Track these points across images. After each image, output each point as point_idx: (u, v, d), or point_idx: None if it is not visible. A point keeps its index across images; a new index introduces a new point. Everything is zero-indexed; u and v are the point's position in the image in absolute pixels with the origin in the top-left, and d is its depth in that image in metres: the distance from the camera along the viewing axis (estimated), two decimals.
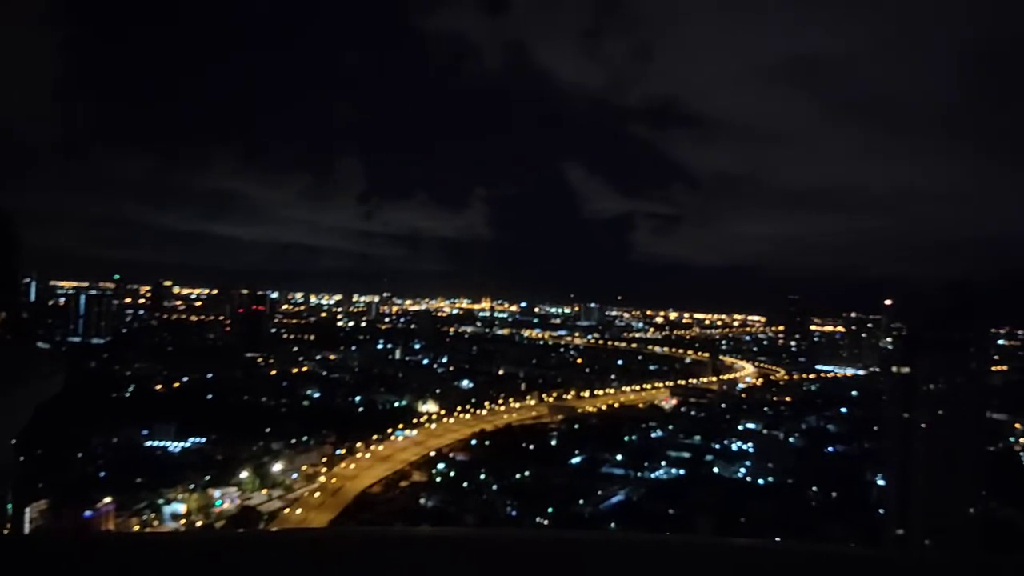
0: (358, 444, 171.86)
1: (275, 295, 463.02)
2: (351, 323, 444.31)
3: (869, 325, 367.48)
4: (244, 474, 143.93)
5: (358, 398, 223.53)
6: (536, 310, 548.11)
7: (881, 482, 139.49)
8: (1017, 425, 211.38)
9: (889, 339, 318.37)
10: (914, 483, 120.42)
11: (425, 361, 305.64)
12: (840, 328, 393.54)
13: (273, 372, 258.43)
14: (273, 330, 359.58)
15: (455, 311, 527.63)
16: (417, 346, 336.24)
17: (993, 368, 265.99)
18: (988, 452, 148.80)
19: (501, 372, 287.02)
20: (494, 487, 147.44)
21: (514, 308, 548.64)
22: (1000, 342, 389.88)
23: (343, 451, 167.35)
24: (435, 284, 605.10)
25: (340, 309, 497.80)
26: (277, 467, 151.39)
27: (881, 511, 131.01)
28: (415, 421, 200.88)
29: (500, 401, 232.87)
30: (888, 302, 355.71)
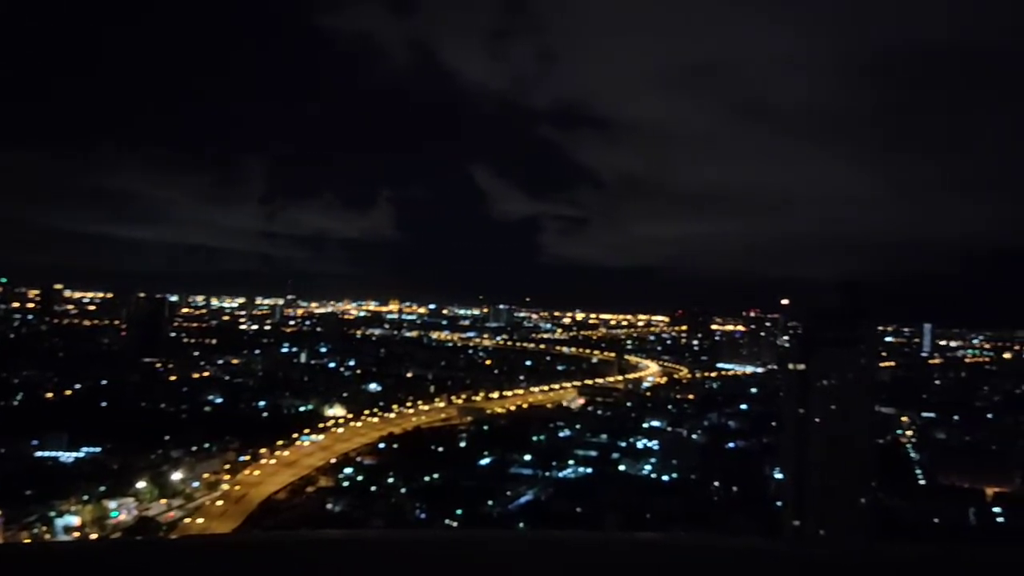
0: (262, 450, 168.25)
1: (175, 298, 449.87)
2: (255, 326, 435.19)
3: (767, 324, 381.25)
4: (142, 484, 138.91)
5: (262, 403, 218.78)
6: (445, 312, 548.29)
7: (779, 475, 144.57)
8: (903, 418, 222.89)
9: (786, 337, 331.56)
10: (809, 476, 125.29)
11: (332, 364, 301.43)
12: (740, 327, 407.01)
13: (173, 378, 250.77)
14: (173, 334, 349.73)
15: (362, 313, 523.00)
16: (323, 349, 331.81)
17: (881, 364, 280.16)
18: (876, 445, 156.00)
19: (409, 374, 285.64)
20: (402, 490, 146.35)
21: (423, 310, 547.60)
22: (887, 339, 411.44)
23: (247, 457, 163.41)
24: (341, 286, 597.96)
25: (243, 312, 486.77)
26: (177, 476, 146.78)
27: (779, 503, 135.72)
28: (321, 425, 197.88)
29: (408, 404, 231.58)
30: (785, 302, 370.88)
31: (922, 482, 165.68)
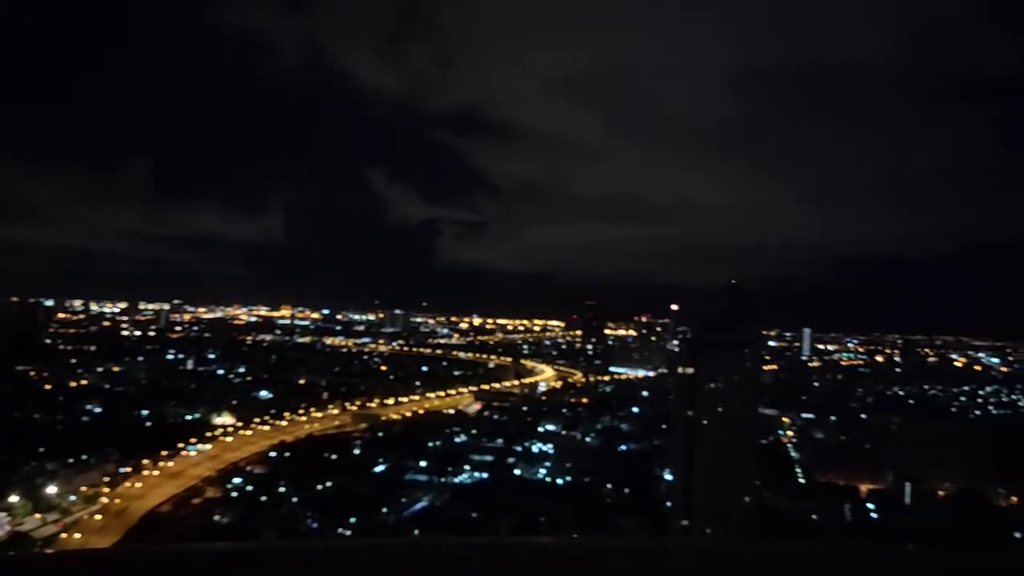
0: (145, 461, 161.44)
1: (50, 303, 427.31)
2: (138, 332, 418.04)
3: (658, 329, 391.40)
4: (14, 498, 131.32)
5: (145, 412, 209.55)
6: (339, 317, 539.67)
7: (669, 477, 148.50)
8: (785, 419, 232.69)
9: (675, 341, 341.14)
10: (697, 476, 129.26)
11: (220, 371, 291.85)
12: (632, 332, 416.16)
13: (48, 386, 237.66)
14: (48, 341, 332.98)
15: (253, 319, 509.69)
16: (212, 356, 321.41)
17: (764, 367, 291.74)
18: (760, 445, 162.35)
19: (302, 381, 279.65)
20: (294, 500, 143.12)
21: (316, 315, 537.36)
22: (770, 343, 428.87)
23: (128, 469, 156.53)
24: (231, 291, 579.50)
25: (125, 318, 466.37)
26: (52, 489, 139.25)
27: (668, 503, 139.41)
28: (209, 434, 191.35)
29: (301, 411, 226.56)
30: (674, 307, 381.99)
31: (802, 480, 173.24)
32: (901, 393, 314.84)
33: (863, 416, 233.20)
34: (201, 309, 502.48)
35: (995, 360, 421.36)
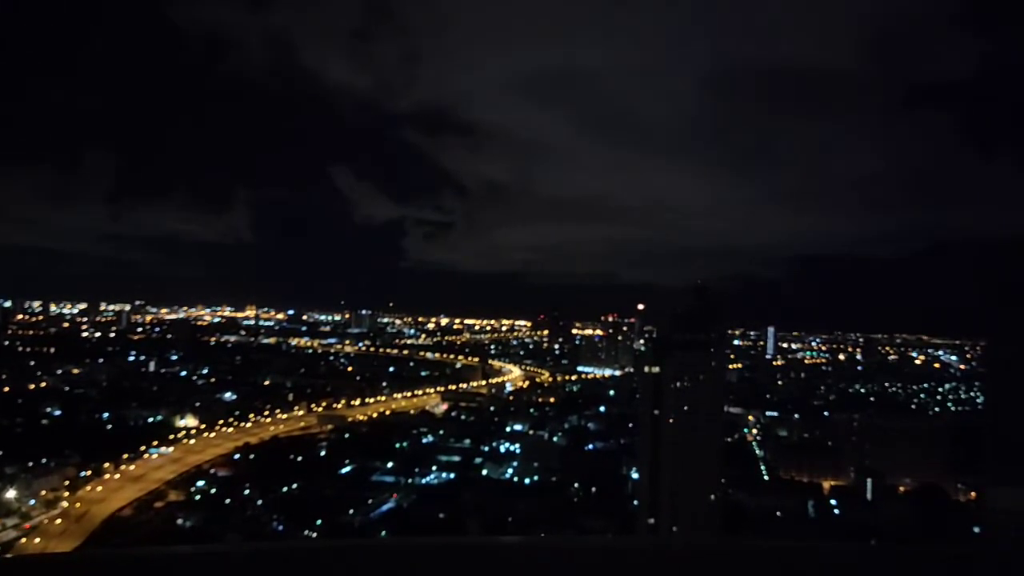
0: (106, 464, 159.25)
1: (8, 304, 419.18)
2: (98, 334, 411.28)
3: (625, 328, 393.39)
4: None
5: (106, 414, 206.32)
6: (305, 318, 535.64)
7: (635, 475, 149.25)
8: (749, 417, 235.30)
9: (642, 341, 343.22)
10: (663, 475, 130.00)
11: (183, 373, 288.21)
12: (599, 331, 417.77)
13: (6, 389, 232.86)
14: (6, 343, 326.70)
15: (217, 319, 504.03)
16: (174, 357, 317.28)
17: (729, 366, 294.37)
18: (725, 443, 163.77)
19: (267, 382, 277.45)
20: (259, 502, 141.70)
21: (281, 316, 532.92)
22: (735, 342, 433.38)
23: (89, 473, 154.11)
24: (194, 291, 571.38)
25: (85, 319, 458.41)
26: (11, 493, 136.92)
27: (635, 502, 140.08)
28: (172, 437, 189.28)
29: (266, 413, 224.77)
30: (641, 306, 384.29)
31: (766, 478, 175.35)
32: (863, 391, 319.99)
33: (826, 414, 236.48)
34: (163, 310, 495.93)
35: (953, 358, 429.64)
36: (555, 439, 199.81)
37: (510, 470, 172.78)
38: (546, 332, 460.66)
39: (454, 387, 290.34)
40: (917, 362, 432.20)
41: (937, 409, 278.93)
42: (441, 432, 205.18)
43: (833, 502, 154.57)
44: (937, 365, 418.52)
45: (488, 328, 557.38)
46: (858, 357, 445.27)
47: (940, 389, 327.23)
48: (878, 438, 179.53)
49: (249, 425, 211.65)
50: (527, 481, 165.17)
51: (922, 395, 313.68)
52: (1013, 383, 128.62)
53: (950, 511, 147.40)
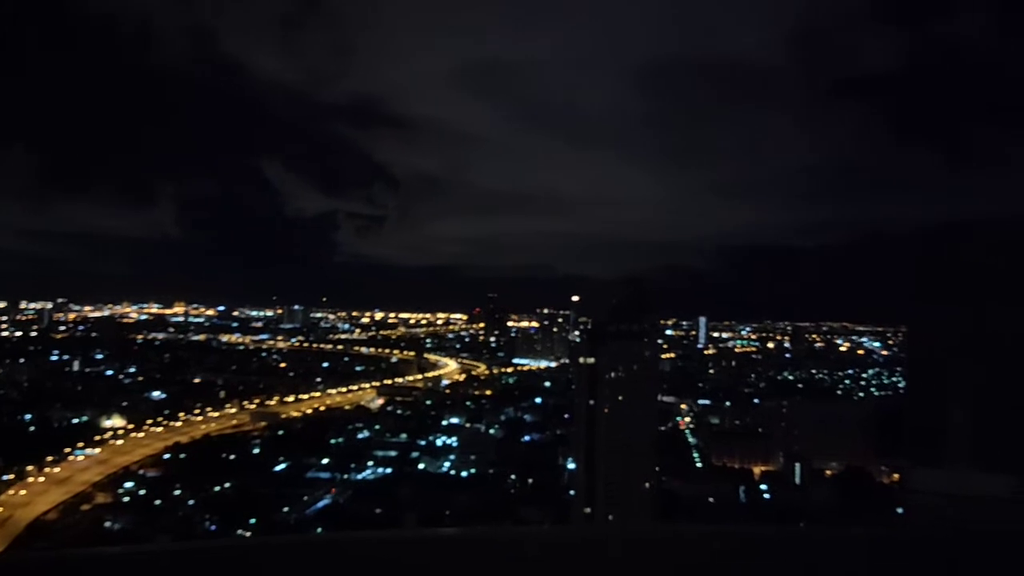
0: (29, 467, 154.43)
1: None
2: (19, 333, 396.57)
3: (560, 320, 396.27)
4: None
5: (28, 416, 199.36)
6: (236, 314, 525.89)
7: (571, 465, 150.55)
8: (682, 406, 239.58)
9: (577, 332, 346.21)
10: (599, 464, 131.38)
11: (109, 372, 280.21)
12: (535, 324, 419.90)
13: None
14: None
15: (144, 317, 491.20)
16: (100, 356, 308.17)
17: (663, 356, 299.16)
18: (659, 432, 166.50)
19: (197, 380, 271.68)
20: (190, 502, 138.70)
21: (211, 312, 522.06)
22: (668, 332, 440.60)
23: (11, 476, 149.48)
24: (120, 288, 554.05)
25: (5, 318, 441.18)
26: None
27: (572, 492, 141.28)
28: (98, 438, 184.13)
29: (197, 411, 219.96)
30: (576, 298, 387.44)
31: (699, 465, 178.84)
32: (791, 378, 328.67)
33: (756, 401, 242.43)
34: (87, 308, 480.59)
35: (876, 344, 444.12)
36: (492, 431, 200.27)
37: (447, 463, 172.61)
38: (482, 325, 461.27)
39: (390, 381, 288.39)
40: (842, 349, 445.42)
41: (861, 394, 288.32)
42: (377, 427, 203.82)
43: (763, 487, 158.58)
44: (861, 352, 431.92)
45: (423, 322, 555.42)
46: (786, 345, 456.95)
47: (864, 375, 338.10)
48: (806, 424, 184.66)
49: (179, 424, 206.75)
50: (464, 474, 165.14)
51: (847, 381, 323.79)
52: (932, 369, 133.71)
53: (874, 493, 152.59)
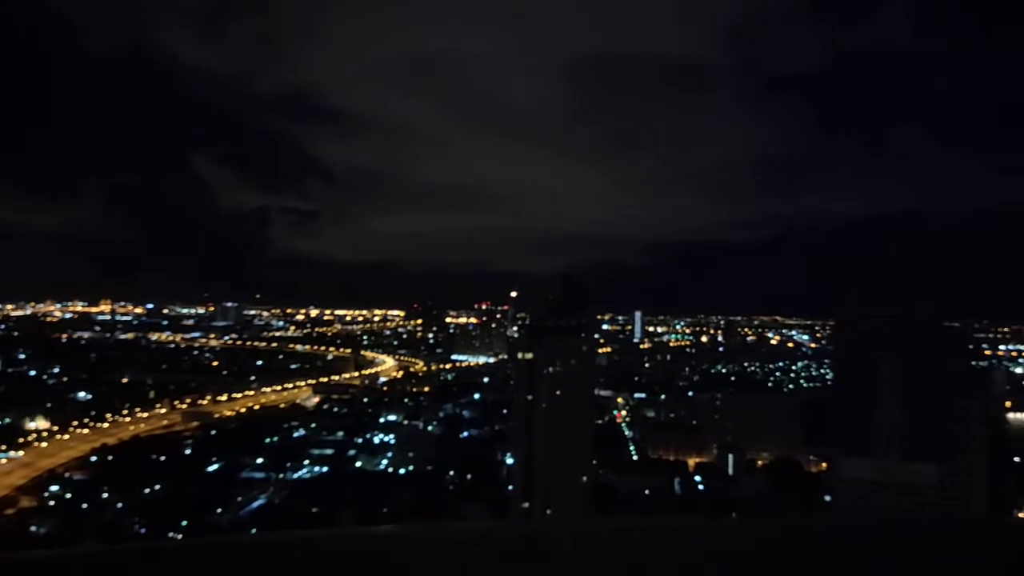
0: None
1: None
2: None
3: (498, 316, 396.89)
4: None
5: None
6: (166, 312, 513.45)
7: (510, 461, 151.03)
8: (619, 399, 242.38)
9: (515, 328, 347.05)
10: (537, 459, 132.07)
11: (32, 372, 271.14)
12: (473, 319, 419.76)
13: None
14: None
15: (68, 315, 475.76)
16: (22, 356, 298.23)
17: (599, 351, 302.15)
18: (596, 426, 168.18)
19: (126, 380, 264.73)
20: (119, 505, 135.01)
21: (140, 310, 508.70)
22: (605, 327, 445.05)
23: None
24: (42, 286, 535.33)
25: None
26: None
27: (510, 487, 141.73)
28: (21, 440, 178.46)
29: (125, 412, 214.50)
30: (514, 294, 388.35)
31: (635, 457, 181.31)
32: (724, 371, 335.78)
33: (690, 394, 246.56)
34: (8, 306, 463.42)
35: (805, 337, 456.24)
36: (430, 428, 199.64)
37: (384, 461, 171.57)
38: (420, 321, 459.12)
39: (326, 379, 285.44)
40: (773, 342, 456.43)
41: (791, 386, 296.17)
42: (313, 425, 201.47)
43: (698, 478, 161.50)
44: (791, 344, 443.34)
45: (360, 319, 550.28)
46: (719, 339, 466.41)
47: (794, 367, 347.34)
48: (738, 416, 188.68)
49: (107, 425, 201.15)
50: (402, 471, 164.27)
51: (778, 373, 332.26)
52: (856, 361, 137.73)
53: (803, 482, 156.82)
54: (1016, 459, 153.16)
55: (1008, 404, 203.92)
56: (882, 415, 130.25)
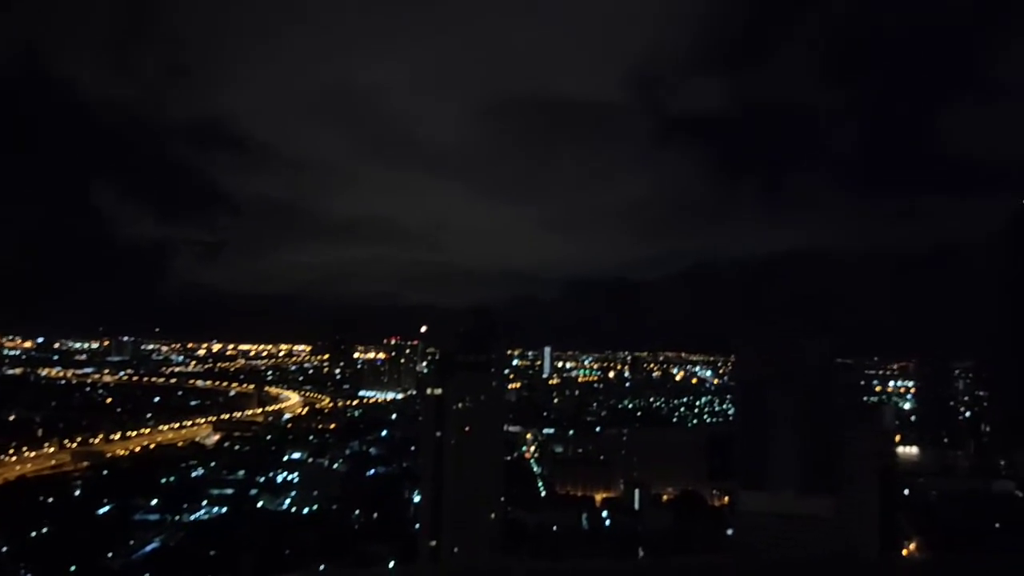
0: None
1: None
2: None
3: (407, 351, 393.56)
4: None
5: None
6: (57, 346, 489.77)
7: (417, 498, 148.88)
8: (528, 435, 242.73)
9: (425, 363, 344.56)
10: (445, 496, 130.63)
11: None
12: (382, 355, 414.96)
13: None
14: None
15: None
16: None
17: (509, 386, 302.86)
18: (505, 461, 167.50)
19: (12, 418, 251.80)
20: (3, 549, 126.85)
21: (28, 344, 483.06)
22: (514, 362, 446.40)
23: None
24: None
25: None
26: None
27: (417, 525, 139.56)
28: None
29: (11, 451, 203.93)
30: (423, 328, 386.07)
31: (543, 493, 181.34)
32: (631, 406, 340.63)
33: (598, 429, 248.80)
34: None
35: (708, 373, 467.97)
36: (335, 466, 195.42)
37: (288, 500, 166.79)
38: (327, 356, 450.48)
39: (227, 416, 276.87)
40: (677, 378, 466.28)
41: (695, 421, 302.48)
42: (213, 464, 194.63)
43: (604, 514, 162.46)
44: (695, 380, 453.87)
45: (264, 353, 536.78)
46: (626, 374, 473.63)
47: (697, 403, 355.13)
48: (644, 451, 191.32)
49: None
50: (306, 511, 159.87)
51: (682, 408, 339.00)
52: (755, 396, 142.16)
53: (706, 516, 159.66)
54: (905, 492, 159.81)
55: (897, 438, 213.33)
56: (779, 449, 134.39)
